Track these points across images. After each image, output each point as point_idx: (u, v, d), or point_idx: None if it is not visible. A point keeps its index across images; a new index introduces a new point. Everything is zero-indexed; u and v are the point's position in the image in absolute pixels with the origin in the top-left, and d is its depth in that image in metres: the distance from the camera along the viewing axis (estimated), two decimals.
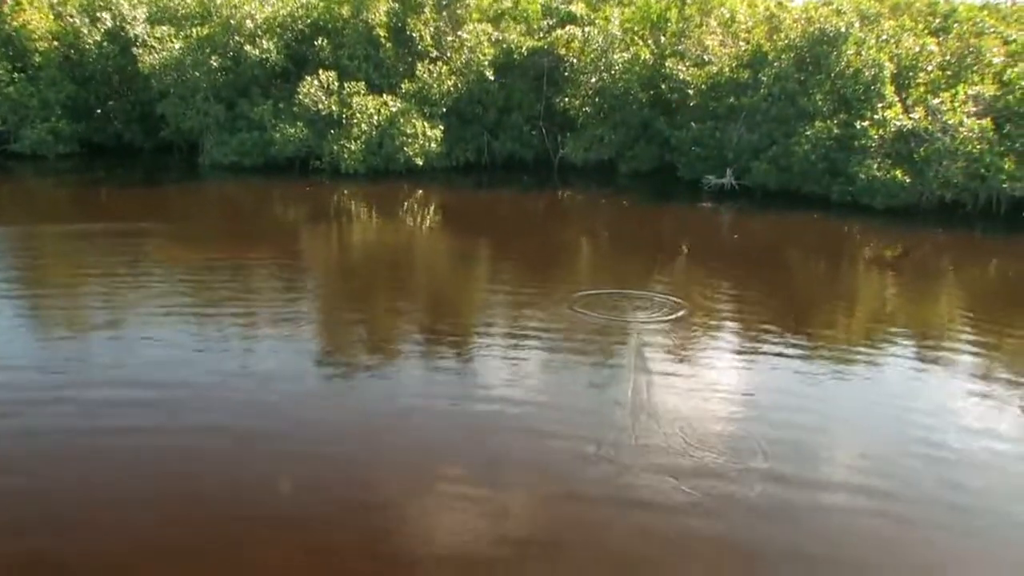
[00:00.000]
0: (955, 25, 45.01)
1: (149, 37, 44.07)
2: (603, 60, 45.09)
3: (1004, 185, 34.91)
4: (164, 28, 44.41)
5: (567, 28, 46.38)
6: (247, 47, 43.48)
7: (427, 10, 44.99)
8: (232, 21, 43.86)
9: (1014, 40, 41.60)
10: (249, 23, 43.95)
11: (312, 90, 41.63)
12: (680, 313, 21.96)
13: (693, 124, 42.49)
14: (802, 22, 41.48)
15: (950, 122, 35.67)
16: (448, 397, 16.56)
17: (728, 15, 46.61)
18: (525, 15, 49.03)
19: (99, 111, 48.98)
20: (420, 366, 18.53)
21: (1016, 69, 37.36)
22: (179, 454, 13.76)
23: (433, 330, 21.15)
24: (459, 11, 46.16)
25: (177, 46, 43.55)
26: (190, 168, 45.02)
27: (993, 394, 17.19)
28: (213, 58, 43.34)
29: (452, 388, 17.12)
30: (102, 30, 46.90)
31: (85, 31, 46.65)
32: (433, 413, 15.64)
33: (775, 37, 42.85)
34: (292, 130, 41.46)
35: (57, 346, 19.08)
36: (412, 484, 12.99)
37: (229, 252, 28.38)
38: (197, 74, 43.14)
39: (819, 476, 13.68)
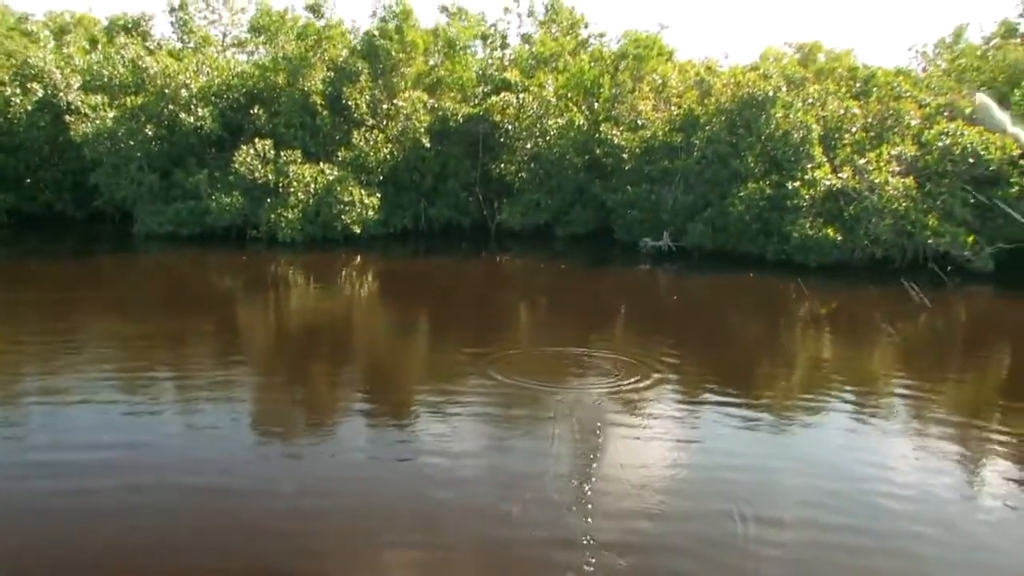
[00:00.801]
0: (874, 89, 46.72)
1: (83, 105, 43.52)
2: (538, 126, 45.86)
3: (929, 240, 36.13)
4: (97, 97, 43.89)
5: (502, 95, 47.04)
6: (182, 115, 43.27)
7: (363, 79, 45.32)
8: (167, 90, 43.64)
9: (928, 104, 43.35)
10: (184, 92, 43.79)
11: (248, 159, 41.46)
12: (620, 376, 22.06)
13: (629, 187, 43.23)
14: (731, 86, 42.70)
15: (876, 181, 36.93)
16: (379, 459, 16.53)
17: (660, 80, 47.78)
18: (460, 82, 49.71)
19: (28, 180, 48.04)
20: (353, 432, 18.20)
21: (932, 131, 38.82)
22: (113, 511, 13.63)
23: (366, 398, 20.96)
24: (395, 79, 46.59)
25: (111, 115, 43.10)
26: (124, 238, 44.14)
27: (925, 444, 17.56)
28: (148, 127, 43.01)
29: (383, 451, 16.95)
30: (33, 99, 46.26)
31: (17, 100, 45.94)
32: (364, 476, 15.64)
33: (706, 101, 44.05)
34: (228, 199, 41.12)
35: None
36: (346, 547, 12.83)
37: (164, 322, 27.79)
38: (131, 143, 42.67)
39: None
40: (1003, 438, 18.10)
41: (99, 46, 51.82)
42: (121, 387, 20.33)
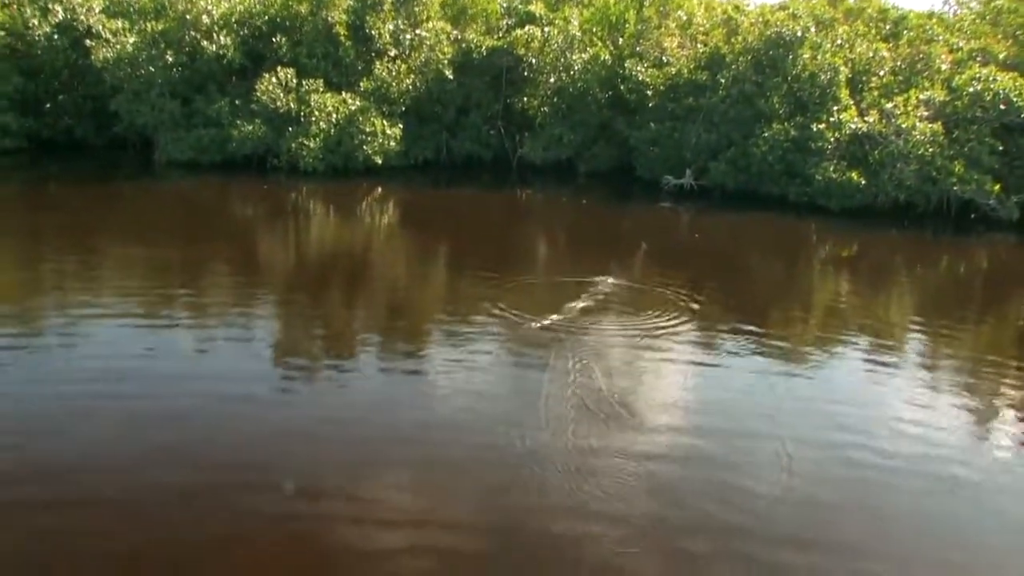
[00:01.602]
0: (905, 32, 45.96)
1: (104, 29, 43.10)
2: (562, 60, 45.33)
3: (954, 187, 35.87)
4: (118, 22, 43.47)
5: (526, 28, 46.48)
6: (204, 43, 42.89)
7: (386, 8, 44.75)
8: (188, 16, 43.20)
9: (960, 49, 42.60)
10: (205, 19, 43.34)
11: (270, 87, 41.22)
12: (642, 308, 22.23)
13: (652, 124, 42.88)
14: (759, 25, 42.07)
15: (903, 126, 36.52)
16: (389, 385, 16.98)
17: (685, 18, 47.08)
18: (484, 14, 49.05)
19: (48, 105, 47.76)
20: (373, 371, 17.98)
21: (963, 76, 38.22)
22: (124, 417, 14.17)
23: (382, 325, 21.25)
24: (417, 9, 45.99)
25: (131, 40, 42.71)
26: (145, 165, 44.13)
27: (940, 390, 17.66)
28: (168, 53, 42.69)
29: (401, 392, 16.91)
30: (53, 22, 45.86)
31: (35, 22, 45.55)
32: (372, 401, 15.92)
33: (732, 40, 43.42)
34: (250, 127, 40.98)
35: (6, 342, 18.41)
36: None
37: (185, 249, 28.01)
38: (152, 69, 42.36)
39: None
40: (1013, 389, 18.25)
41: None
42: (137, 317, 20.38)
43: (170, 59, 42.74)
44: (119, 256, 27.10)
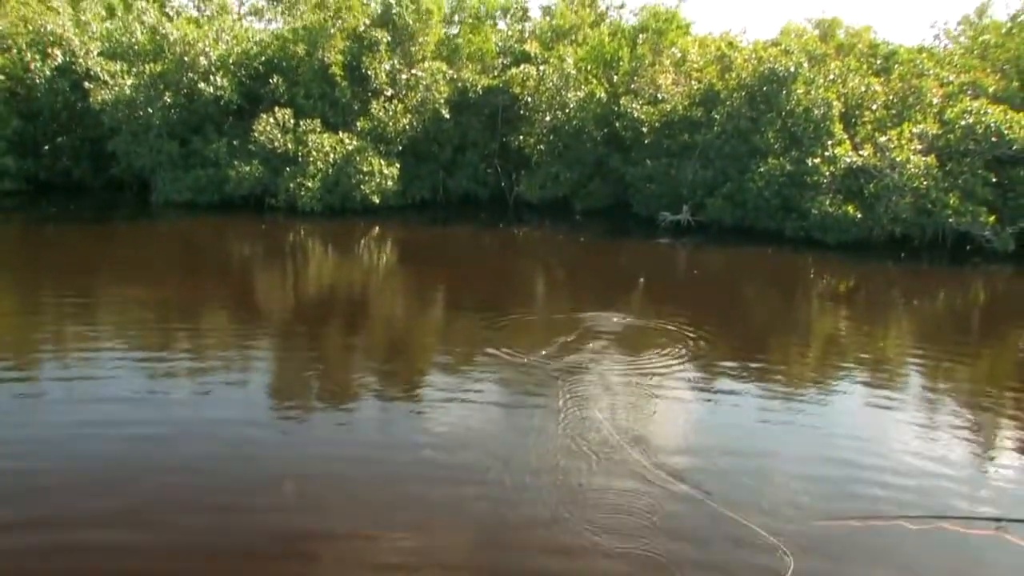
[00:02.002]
0: (896, 66, 46.41)
1: (102, 71, 43.37)
2: (557, 98, 45.68)
3: (950, 219, 36.11)
4: (116, 64, 43.79)
5: (522, 67, 46.92)
6: (201, 84, 43.20)
7: (382, 48, 45.16)
8: (186, 58, 43.53)
9: (950, 82, 43.06)
10: (203, 60, 43.69)
11: (268, 127, 41.53)
12: (643, 345, 22.28)
13: (648, 161, 43.15)
14: (752, 62, 42.45)
15: (898, 159, 36.79)
16: (387, 428, 16.77)
17: (679, 54, 47.46)
18: (480, 54, 49.49)
19: (47, 147, 48.04)
20: (372, 411, 17.85)
21: (954, 110, 38.60)
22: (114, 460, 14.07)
23: (380, 367, 21.03)
24: (413, 49, 46.45)
25: (129, 82, 43.00)
26: (142, 206, 44.32)
27: (939, 424, 17.54)
28: (167, 95, 43.00)
29: (392, 419, 17.17)
30: (52, 65, 46.22)
31: (35, 66, 45.89)
32: (369, 446, 15.65)
33: (726, 76, 43.80)
34: (248, 168, 41.20)
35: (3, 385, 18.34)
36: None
37: (183, 289, 28.03)
38: (150, 110, 42.66)
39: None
40: (1011, 420, 18.30)
41: (117, 13, 51.53)
42: (135, 360, 20.31)
43: (168, 100, 43.01)
44: (116, 296, 27.09)
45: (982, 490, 14.48)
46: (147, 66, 44.04)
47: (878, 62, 48.58)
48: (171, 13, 52.44)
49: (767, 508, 13.27)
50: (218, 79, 43.49)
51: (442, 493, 13.65)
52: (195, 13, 55.79)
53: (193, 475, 14.06)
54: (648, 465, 14.62)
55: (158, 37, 44.70)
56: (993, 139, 36.79)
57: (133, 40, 45.40)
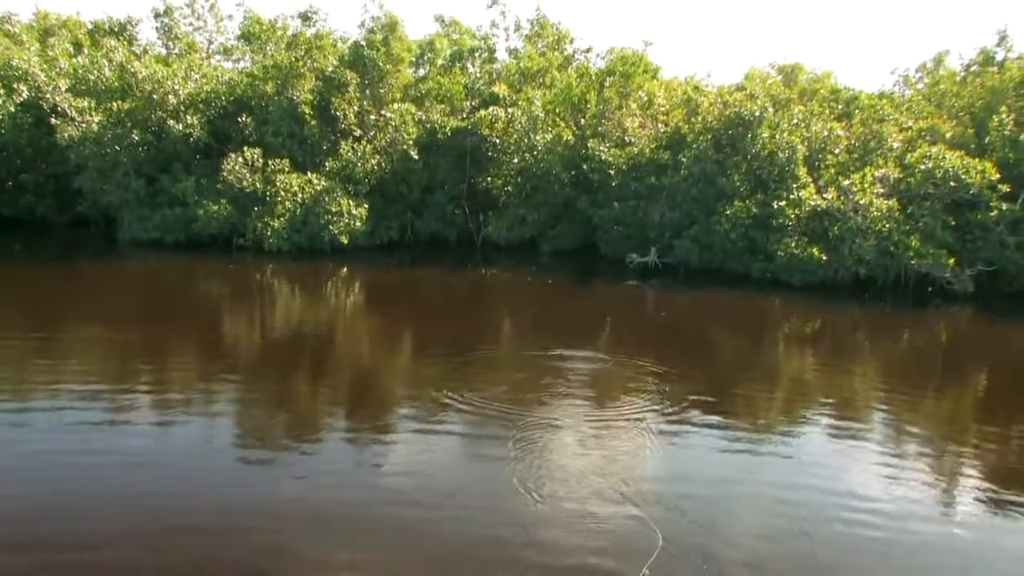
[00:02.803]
0: (857, 111, 47.49)
1: (70, 108, 43.13)
2: (525, 141, 46.08)
3: (911, 261, 36.84)
4: (84, 101, 43.58)
5: (490, 109, 47.36)
6: (170, 122, 43.15)
7: (351, 89, 45.43)
8: (155, 96, 43.55)
9: (909, 128, 44.14)
10: (172, 98, 43.74)
11: (236, 167, 41.47)
12: (607, 390, 22.42)
13: (615, 203, 43.58)
14: (718, 106, 43.21)
15: (861, 202, 37.57)
16: (352, 476, 16.32)
17: (646, 98, 48.18)
18: (448, 95, 49.89)
19: (10, 183, 47.60)
20: (335, 454, 17.49)
21: (914, 154, 39.50)
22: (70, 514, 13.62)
23: (347, 411, 20.73)
24: (382, 90, 46.79)
25: (97, 119, 42.80)
26: (108, 243, 43.95)
27: (903, 464, 17.80)
28: (135, 132, 42.86)
29: (357, 467, 16.83)
30: (17, 100, 45.89)
31: (0, 101, 45.54)
32: (334, 493, 15.30)
33: (693, 119, 44.54)
34: (216, 207, 41.05)
35: None
36: None
37: (148, 330, 27.59)
38: (118, 148, 42.48)
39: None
40: (977, 460, 18.60)
41: (84, 50, 51.40)
42: (98, 394, 20.18)
43: (136, 138, 42.87)
44: (80, 337, 26.70)
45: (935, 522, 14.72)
46: (115, 103, 43.97)
47: (840, 107, 49.73)
48: (139, 51, 52.44)
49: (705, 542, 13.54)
50: (187, 117, 43.45)
51: (395, 533, 13.65)
52: (164, 51, 55.87)
53: (150, 517, 13.88)
54: (596, 509, 14.70)
55: (127, 75, 44.66)
56: (952, 183, 37.65)
57: (101, 77, 45.27)
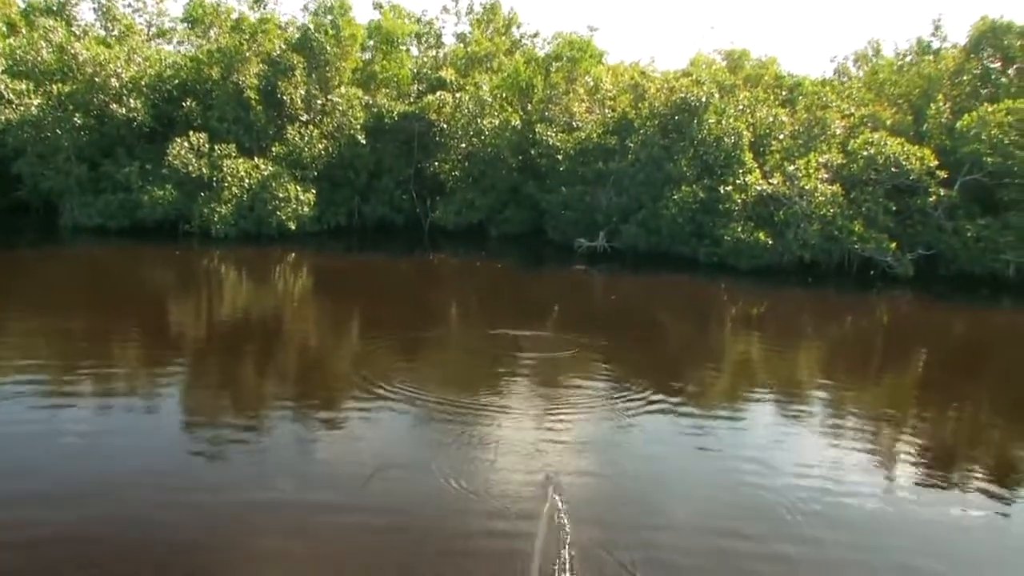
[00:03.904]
0: (801, 98, 48.27)
1: (7, 90, 42.09)
2: (473, 125, 46.09)
3: (855, 246, 37.66)
4: (22, 84, 42.55)
5: (438, 94, 47.24)
6: (113, 106, 42.34)
7: (297, 73, 44.98)
8: (96, 79, 42.66)
9: (851, 114, 44.99)
10: (114, 81, 42.88)
11: (182, 152, 40.85)
12: (553, 371, 22.70)
13: (563, 188, 43.81)
14: (665, 91, 43.58)
15: (806, 187, 38.26)
16: (300, 458, 16.28)
17: (593, 83, 48.40)
18: (395, 80, 49.64)
19: None
20: (284, 440, 17.31)
21: (857, 141, 40.30)
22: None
23: (293, 396, 20.56)
24: (329, 75, 46.39)
25: (36, 102, 41.87)
26: (49, 230, 43.02)
27: (843, 443, 18.16)
28: (76, 116, 41.95)
29: (304, 449, 16.79)
30: None
31: None
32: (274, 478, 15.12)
33: (639, 105, 44.87)
34: (161, 192, 40.47)
35: None
36: None
37: (91, 318, 27.10)
38: (58, 132, 41.61)
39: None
40: (914, 436, 19.19)
41: (20, 31, 50.11)
42: (40, 383, 19.87)
43: (78, 122, 41.96)
44: (20, 326, 26.12)
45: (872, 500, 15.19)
46: (55, 86, 42.94)
47: (784, 93, 50.48)
48: (78, 32, 51.27)
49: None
50: (131, 101, 42.67)
51: (330, 519, 13.63)
52: (102, 33, 54.65)
53: (92, 510, 13.65)
54: (535, 493, 14.76)
55: (67, 56, 43.64)
56: (893, 169, 38.48)
57: (39, 59, 44.18)
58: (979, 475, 16.83)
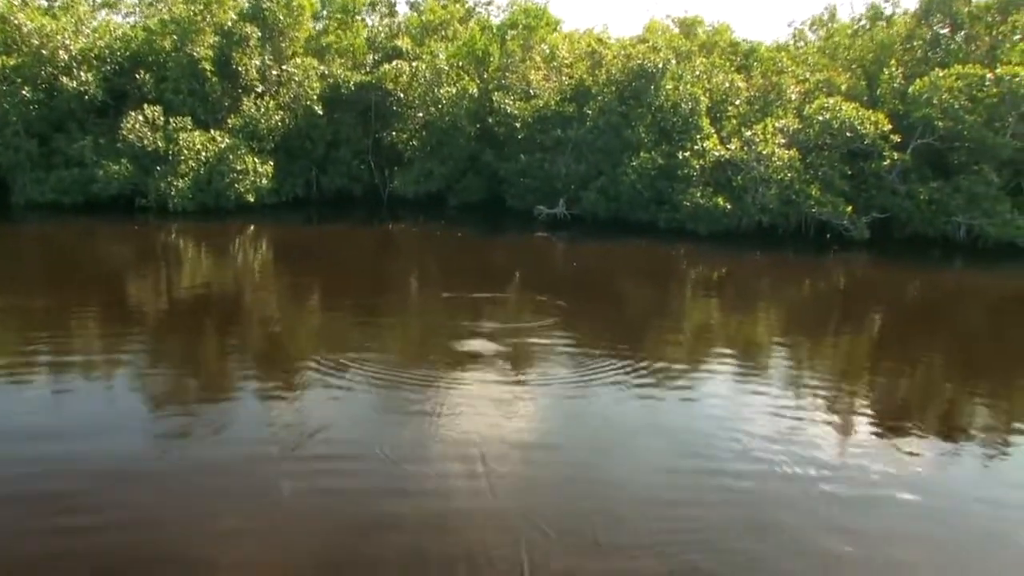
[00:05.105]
0: (756, 64, 48.64)
1: None
2: (430, 95, 45.85)
3: (812, 210, 38.23)
4: None
5: (394, 63, 46.91)
6: (63, 79, 41.47)
7: (251, 43, 44.36)
8: (43, 51, 41.73)
9: (807, 80, 45.45)
10: (63, 54, 41.97)
11: (136, 125, 40.21)
12: (513, 336, 22.85)
13: (522, 156, 43.90)
14: (621, 58, 43.66)
15: (763, 152, 38.65)
16: (264, 434, 15.96)
17: (549, 51, 48.34)
18: (350, 49, 49.19)
19: None
20: (247, 413, 17.22)
21: (812, 106, 40.78)
22: None
23: (255, 369, 20.42)
24: (283, 44, 45.86)
25: None
26: (0, 208, 42.20)
27: (803, 402, 18.58)
28: (24, 89, 41.05)
29: (268, 425, 16.43)
30: None
31: None
32: (245, 455, 15.01)
33: (596, 72, 44.91)
34: (116, 167, 39.84)
35: None
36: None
37: (47, 296, 26.63)
38: (6, 106, 40.73)
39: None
40: (871, 394, 19.82)
41: None
42: None
43: (26, 95, 41.06)
44: None
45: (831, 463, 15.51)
46: (0, 59, 41.90)
47: (739, 59, 50.78)
48: (17, 2, 49.95)
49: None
50: (81, 74, 41.84)
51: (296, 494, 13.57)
52: (44, 3, 53.26)
53: (48, 489, 13.46)
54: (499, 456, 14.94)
55: (10, 28, 42.60)
56: (848, 134, 39.04)
57: None
58: (930, 431, 17.28)
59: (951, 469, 15.59)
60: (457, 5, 55.35)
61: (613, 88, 42.92)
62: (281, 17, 44.80)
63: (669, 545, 12.25)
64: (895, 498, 14.10)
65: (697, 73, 44.38)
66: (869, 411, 18.55)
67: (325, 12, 51.97)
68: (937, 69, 40.39)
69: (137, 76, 42.99)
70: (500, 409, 17.17)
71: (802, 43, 54.78)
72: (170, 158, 40.47)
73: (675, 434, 16.52)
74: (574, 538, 12.35)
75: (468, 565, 11.57)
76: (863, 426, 17.54)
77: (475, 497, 13.49)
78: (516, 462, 14.92)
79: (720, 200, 38.38)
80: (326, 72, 46.72)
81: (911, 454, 15.89)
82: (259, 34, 44.67)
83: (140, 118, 40.41)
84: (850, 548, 12.46)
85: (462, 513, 13.06)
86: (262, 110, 43.35)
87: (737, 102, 44.02)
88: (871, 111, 39.95)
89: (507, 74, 47.61)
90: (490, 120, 46.05)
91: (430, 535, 12.32)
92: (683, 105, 41.22)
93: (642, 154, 40.44)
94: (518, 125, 44.45)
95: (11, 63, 41.89)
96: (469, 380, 18.98)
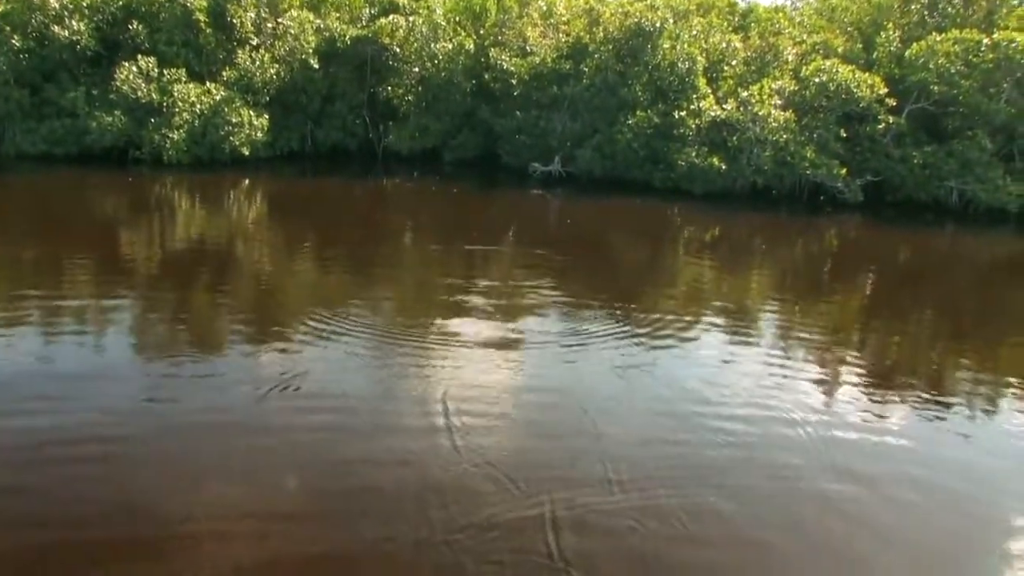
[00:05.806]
0: (754, 25, 48.48)
1: None
2: (426, 50, 45.52)
3: (807, 171, 38.41)
4: None
5: (391, 17, 46.51)
6: (54, 28, 40.94)
7: None
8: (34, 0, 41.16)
9: (803, 41, 45.36)
10: (54, 2, 41.34)
11: (130, 76, 39.76)
12: (511, 294, 23.07)
13: (518, 113, 43.76)
14: (619, 16, 43.43)
15: (759, 113, 38.68)
16: (255, 386, 15.81)
17: (546, 7, 48.00)
18: (346, 3, 48.74)
19: None
20: (241, 363, 17.24)
21: (809, 68, 40.74)
22: None
23: (248, 322, 20.37)
24: None
25: None
26: None
27: (795, 361, 18.83)
28: (14, 38, 40.51)
29: (258, 377, 16.36)
30: None
31: None
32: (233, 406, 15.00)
33: (594, 30, 44.67)
34: (109, 118, 39.40)
35: None
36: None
37: (39, 247, 26.40)
38: None
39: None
40: (861, 354, 20.16)
41: None
42: None
43: (16, 44, 40.51)
44: None
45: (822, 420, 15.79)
46: None
47: (736, 20, 50.58)
48: None
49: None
50: (72, 23, 41.29)
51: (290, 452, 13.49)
52: None
53: (45, 438, 13.37)
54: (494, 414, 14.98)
55: None
56: (843, 96, 39.13)
57: None
58: (919, 389, 17.59)
59: (939, 415, 16.06)
60: None
61: (610, 46, 42.74)
62: None
63: (681, 482, 12.73)
64: (890, 444, 14.62)
65: (694, 33, 44.23)
66: (862, 363, 19.09)
67: None
68: (934, 33, 40.47)
69: (130, 26, 42.42)
70: (499, 358, 17.40)
71: (800, 4, 54.56)
72: (164, 110, 40.06)
73: (675, 382, 16.89)
74: (587, 476, 12.70)
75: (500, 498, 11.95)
76: (856, 376, 18.01)
77: (488, 435, 13.87)
78: (523, 406, 15.31)
79: (715, 160, 38.46)
80: (322, 26, 46.23)
81: (904, 403, 16.42)
82: None
83: (134, 69, 39.92)
84: (851, 487, 12.96)
85: (472, 447, 13.41)
86: (257, 63, 42.91)
87: (734, 62, 43.95)
88: (867, 74, 40.01)
89: (504, 30, 47.26)
90: (486, 76, 45.80)
91: (442, 473, 12.59)
92: (680, 64, 41.11)
93: (638, 113, 40.40)
94: (514, 82, 44.23)
95: (0, 10, 41.28)
96: (466, 330, 19.14)
